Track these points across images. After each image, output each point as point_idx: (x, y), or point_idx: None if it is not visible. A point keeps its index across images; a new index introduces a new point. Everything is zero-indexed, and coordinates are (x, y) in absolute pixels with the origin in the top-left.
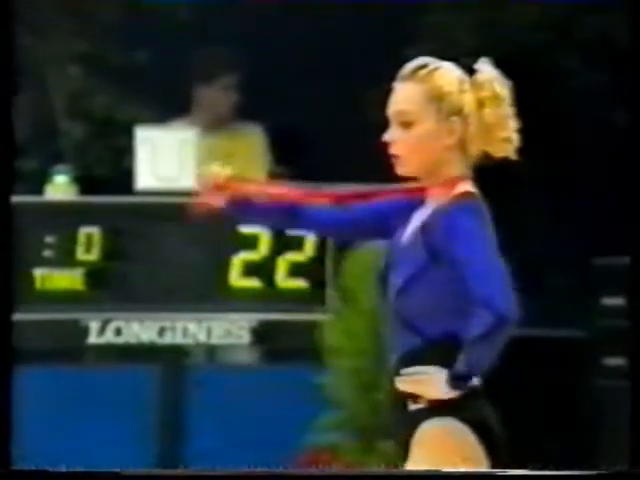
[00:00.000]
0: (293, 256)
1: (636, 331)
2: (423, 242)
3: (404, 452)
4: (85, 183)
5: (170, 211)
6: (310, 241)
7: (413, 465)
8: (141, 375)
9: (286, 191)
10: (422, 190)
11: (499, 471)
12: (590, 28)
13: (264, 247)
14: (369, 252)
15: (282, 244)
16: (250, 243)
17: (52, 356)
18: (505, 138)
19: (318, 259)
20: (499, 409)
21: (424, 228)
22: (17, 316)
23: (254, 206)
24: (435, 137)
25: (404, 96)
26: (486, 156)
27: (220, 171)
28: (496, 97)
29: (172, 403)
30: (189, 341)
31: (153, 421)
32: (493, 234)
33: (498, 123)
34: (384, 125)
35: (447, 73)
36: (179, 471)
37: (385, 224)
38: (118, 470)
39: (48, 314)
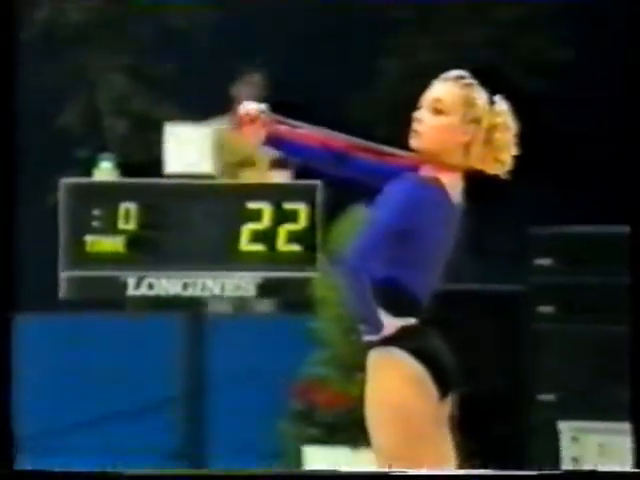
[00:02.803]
0: (290, 226)
1: (635, 335)
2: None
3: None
4: (124, 168)
5: (192, 190)
6: (304, 214)
7: (369, 389)
8: (169, 321)
9: (311, 134)
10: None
11: (499, 471)
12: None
13: (267, 219)
14: (349, 221)
15: (281, 216)
16: (256, 216)
17: (98, 305)
18: (503, 160)
19: (310, 228)
20: (452, 347)
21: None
22: (71, 273)
23: (292, 143)
24: (454, 130)
25: (445, 91)
26: (477, 171)
27: (253, 107)
28: (507, 127)
29: (194, 342)
30: (207, 294)
31: (179, 357)
32: (438, 222)
33: (502, 147)
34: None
35: (479, 91)
36: (179, 471)
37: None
38: (119, 471)
39: (96, 271)
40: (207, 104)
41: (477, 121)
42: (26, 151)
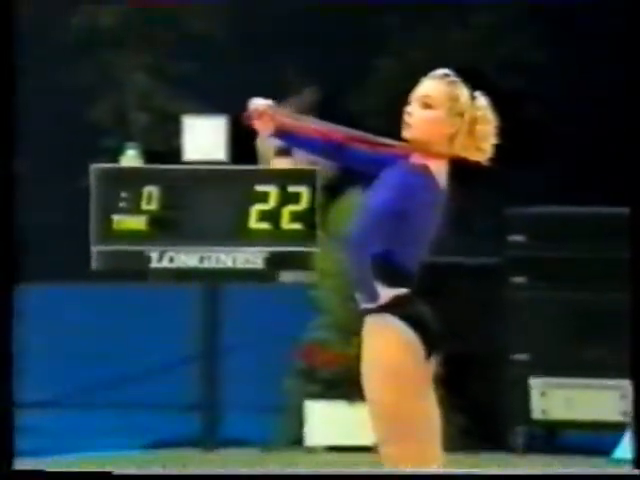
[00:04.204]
0: (293, 207)
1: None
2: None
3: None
4: (147, 155)
5: (207, 175)
6: (305, 196)
7: (365, 351)
8: (187, 290)
9: (313, 127)
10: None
11: (500, 471)
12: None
13: (273, 201)
14: (345, 203)
15: (286, 198)
16: (263, 197)
17: (124, 277)
18: (484, 149)
19: (311, 209)
20: (437, 312)
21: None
22: (100, 248)
23: (296, 136)
24: (440, 122)
25: (432, 88)
26: (461, 158)
27: (262, 102)
28: (487, 119)
29: (209, 310)
30: (220, 266)
31: (195, 322)
32: (427, 205)
33: (483, 137)
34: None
35: (462, 87)
36: (179, 471)
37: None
38: (119, 471)
39: (122, 246)
40: (221, 99)
41: (461, 114)
42: (61, 140)
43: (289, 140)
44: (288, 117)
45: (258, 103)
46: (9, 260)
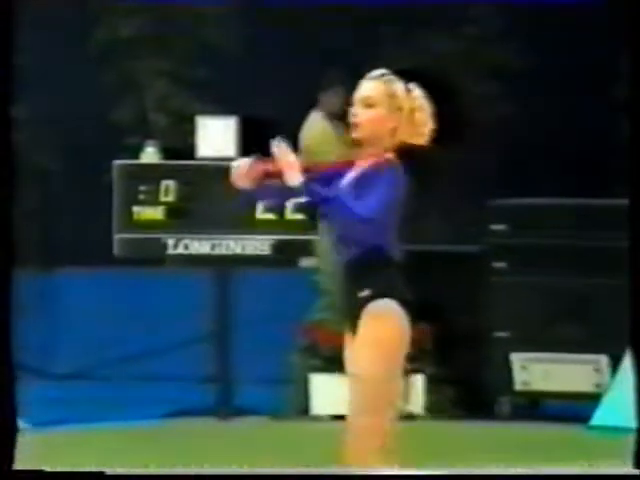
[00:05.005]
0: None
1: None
2: (359, 186)
3: (354, 329)
4: (165, 152)
5: (218, 170)
6: None
7: (365, 334)
8: (200, 275)
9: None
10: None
11: (499, 471)
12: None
13: None
14: None
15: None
16: None
17: (142, 262)
18: (424, 133)
19: None
20: (426, 295)
21: (362, 176)
22: (122, 236)
23: (271, 192)
24: (384, 119)
25: (371, 88)
26: (406, 143)
27: (246, 161)
28: (423, 107)
29: (221, 292)
30: (230, 253)
31: (209, 304)
32: (401, 192)
33: (422, 123)
34: None
35: (399, 83)
36: (179, 471)
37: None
38: (120, 471)
39: (142, 235)
40: (231, 102)
41: (400, 108)
42: (86, 139)
43: (264, 197)
44: (266, 162)
45: (242, 162)
46: (43, 246)
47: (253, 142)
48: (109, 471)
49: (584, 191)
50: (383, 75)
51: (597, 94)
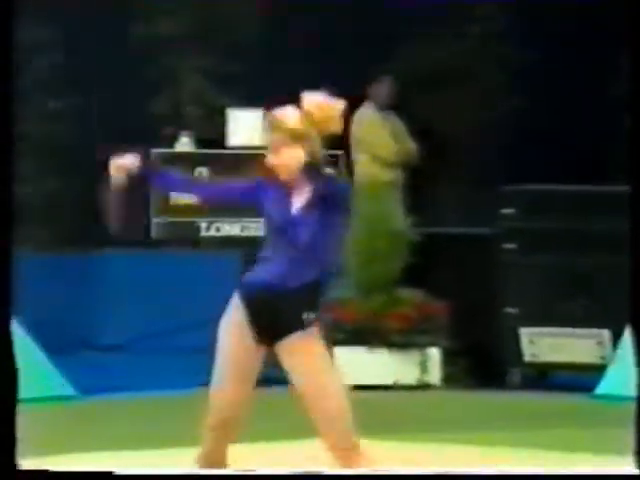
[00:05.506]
0: None
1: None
2: (322, 208)
3: (274, 341)
4: (198, 142)
5: (248, 158)
6: None
7: (307, 353)
8: (231, 254)
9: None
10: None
11: (500, 470)
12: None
13: None
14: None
15: None
16: None
17: (177, 243)
18: (335, 124)
19: None
20: (443, 274)
21: (322, 199)
22: (159, 219)
23: (165, 180)
24: (297, 154)
25: (274, 139)
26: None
27: (128, 158)
28: (321, 109)
29: (250, 268)
30: (259, 234)
31: (238, 277)
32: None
33: (328, 120)
34: None
35: (291, 116)
36: (180, 471)
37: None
38: (120, 472)
39: (177, 218)
40: (259, 95)
41: (301, 135)
42: (127, 129)
43: (155, 180)
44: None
45: (121, 160)
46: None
47: None
48: (118, 471)
49: (587, 179)
50: (272, 121)
51: (600, 88)
